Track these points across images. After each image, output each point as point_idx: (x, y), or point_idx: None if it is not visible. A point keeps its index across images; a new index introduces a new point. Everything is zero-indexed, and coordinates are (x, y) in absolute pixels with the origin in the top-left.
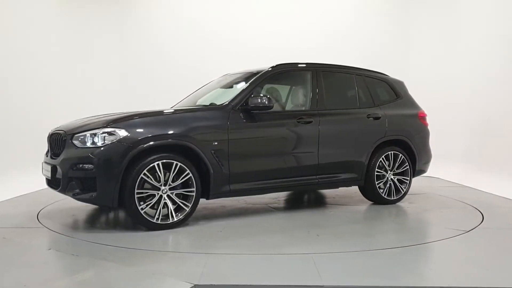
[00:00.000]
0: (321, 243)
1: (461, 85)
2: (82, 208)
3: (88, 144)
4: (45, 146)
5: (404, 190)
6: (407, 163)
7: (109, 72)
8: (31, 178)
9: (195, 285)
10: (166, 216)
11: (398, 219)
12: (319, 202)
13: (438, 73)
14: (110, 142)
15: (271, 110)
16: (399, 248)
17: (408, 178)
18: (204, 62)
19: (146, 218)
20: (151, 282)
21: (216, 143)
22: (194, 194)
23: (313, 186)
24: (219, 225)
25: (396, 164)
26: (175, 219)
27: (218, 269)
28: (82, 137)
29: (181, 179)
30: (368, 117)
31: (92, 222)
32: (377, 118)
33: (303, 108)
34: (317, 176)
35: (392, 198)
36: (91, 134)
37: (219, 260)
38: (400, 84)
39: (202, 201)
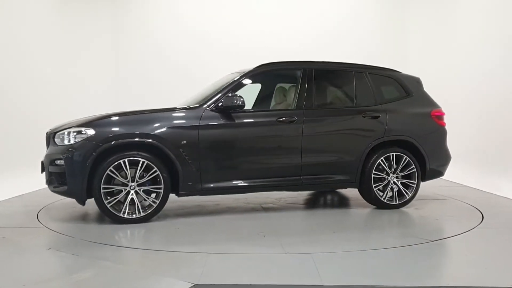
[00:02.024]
0: (320, 243)
1: (461, 82)
2: (82, 207)
3: (65, 142)
4: (43, 146)
5: (410, 194)
6: (413, 166)
7: (105, 72)
8: (30, 177)
9: (195, 284)
10: (133, 211)
11: (397, 220)
12: (323, 204)
13: (437, 71)
14: (80, 140)
15: (250, 109)
16: (398, 248)
17: (415, 182)
18: (201, 62)
19: (112, 212)
20: (151, 282)
21: (185, 142)
22: (161, 191)
23: (298, 187)
24: (184, 222)
25: (400, 167)
26: (142, 214)
27: (218, 268)
28: (61, 135)
29: (148, 176)
30: (364, 116)
31: (92, 222)
32: (375, 117)
33: (288, 107)
34: (302, 177)
35: (394, 203)
36: (67, 133)
37: (219, 259)
38: (412, 80)
39: (196, 197)
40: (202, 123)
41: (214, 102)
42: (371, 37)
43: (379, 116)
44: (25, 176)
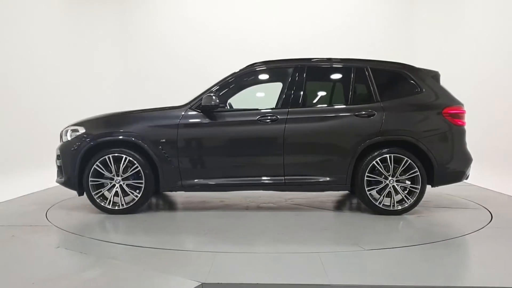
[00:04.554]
0: (327, 243)
1: (472, 79)
2: (90, 206)
3: (67, 139)
4: (51, 145)
5: (411, 200)
6: (416, 169)
7: (116, 71)
8: (40, 176)
9: (202, 283)
10: (118, 203)
11: (404, 220)
12: (334, 207)
13: (445, 67)
14: (73, 137)
15: (233, 108)
16: (406, 248)
17: (418, 187)
18: (211, 59)
19: (98, 202)
20: (158, 281)
21: (164, 140)
22: (143, 186)
23: (281, 187)
24: (188, 219)
25: (399, 170)
26: (125, 206)
27: (225, 267)
28: (66, 132)
29: (131, 172)
30: (357, 115)
31: (100, 221)
32: (369, 116)
33: (273, 107)
34: (285, 177)
35: (392, 209)
36: (69, 130)
37: (227, 258)
38: (425, 75)
39: (202, 194)
40: (181, 122)
41: (196, 102)
42: (378, 32)
43: (374, 115)
44: (34, 175)
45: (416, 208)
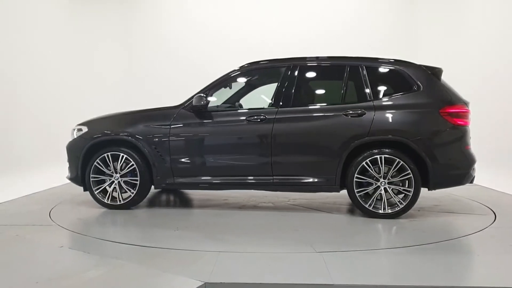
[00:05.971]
0: (329, 243)
1: (476, 77)
2: (93, 205)
3: (73, 137)
4: (54, 145)
5: (404, 203)
6: (409, 171)
7: (117, 71)
8: (43, 176)
9: (205, 283)
10: (116, 199)
11: (406, 219)
12: (333, 209)
13: (445, 67)
14: (78, 136)
15: (223, 108)
16: (409, 248)
17: (410, 189)
18: (211, 60)
19: (98, 197)
20: (161, 280)
21: (156, 139)
22: (138, 183)
23: (270, 187)
24: (190, 218)
25: (391, 172)
26: (122, 202)
27: (228, 267)
28: (72, 131)
29: (127, 169)
30: (346, 115)
31: (104, 220)
32: (359, 115)
33: (263, 107)
34: (274, 177)
35: (382, 212)
36: (75, 130)
37: (230, 258)
38: (425, 72)
39: (206, 192)
40: (173, 121)
41: (188, 102)
42: (379, 32)
43: (364, 114)
44: (37, 174)
45: (414, 208)
